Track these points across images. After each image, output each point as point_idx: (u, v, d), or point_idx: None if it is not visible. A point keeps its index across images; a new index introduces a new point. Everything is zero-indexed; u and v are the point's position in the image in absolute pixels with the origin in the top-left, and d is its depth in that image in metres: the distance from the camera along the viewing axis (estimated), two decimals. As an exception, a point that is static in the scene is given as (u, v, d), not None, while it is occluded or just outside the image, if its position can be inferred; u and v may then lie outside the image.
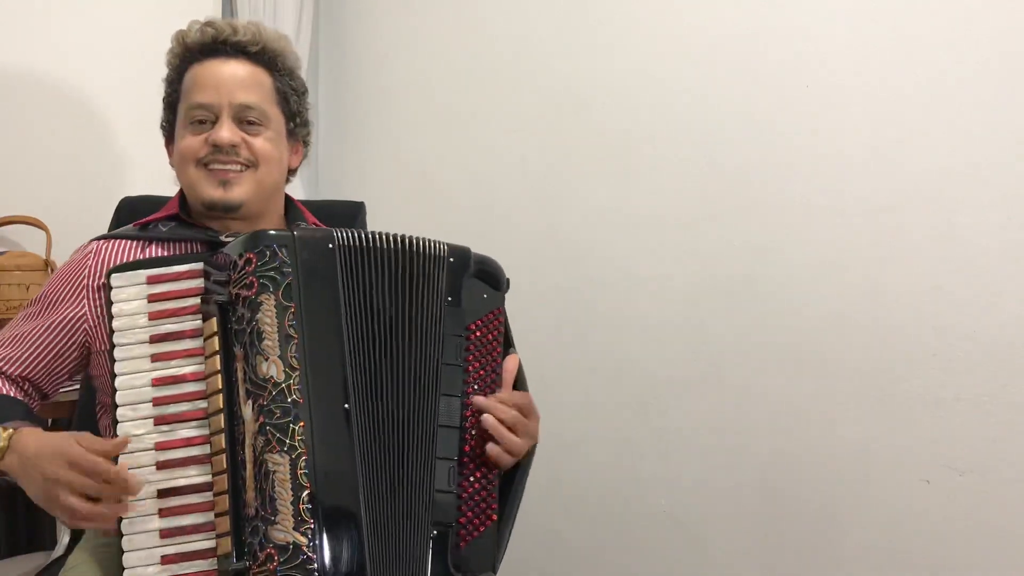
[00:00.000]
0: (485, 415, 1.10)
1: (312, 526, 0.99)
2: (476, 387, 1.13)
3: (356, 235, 1.10)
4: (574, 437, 1.99)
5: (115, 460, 1.01)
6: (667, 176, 1.84)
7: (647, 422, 1.88)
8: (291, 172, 1.35)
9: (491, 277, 1.18)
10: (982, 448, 1.45)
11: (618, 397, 1.93)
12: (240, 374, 1.03)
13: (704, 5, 1.79)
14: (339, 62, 2.56)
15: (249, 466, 1.01)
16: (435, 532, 1.07)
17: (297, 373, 1.03)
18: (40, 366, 1.22)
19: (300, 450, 1.00)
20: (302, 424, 1.01)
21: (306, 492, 0.99)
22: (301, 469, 1.00)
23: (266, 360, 1.03)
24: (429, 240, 1.14)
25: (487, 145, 2.18)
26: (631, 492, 1.91)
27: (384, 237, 1.12)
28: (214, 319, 1.05)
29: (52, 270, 1.89)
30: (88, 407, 1.36)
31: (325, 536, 0.99)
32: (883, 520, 1.55)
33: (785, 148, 1.67)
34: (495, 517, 1.11)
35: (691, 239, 1.80)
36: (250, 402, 1.02)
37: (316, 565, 0.98)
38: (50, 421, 1.80)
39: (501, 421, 1.11)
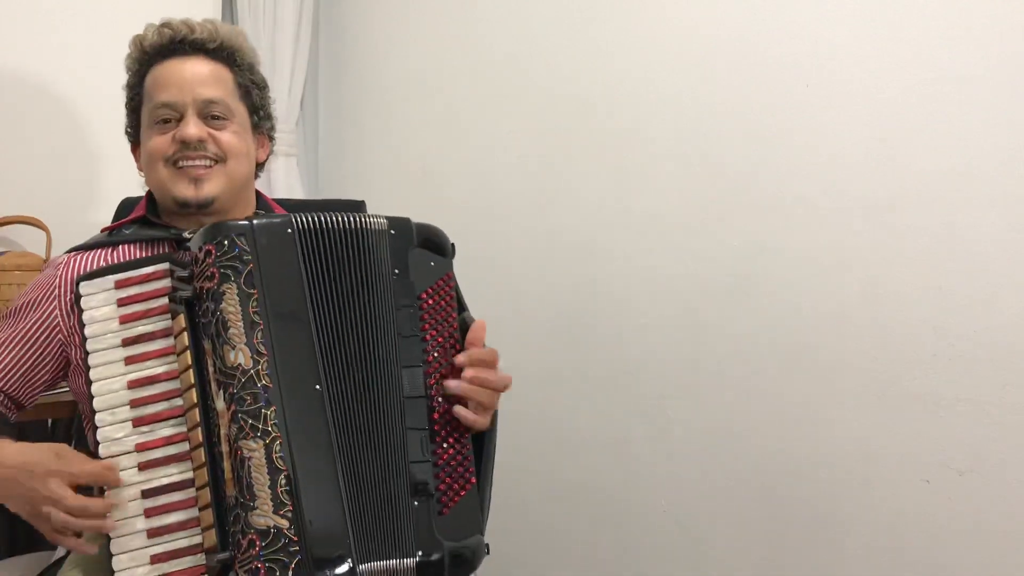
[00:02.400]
0: (448, 381, 1.11)
1: (292, 508, 0.99)
2: (436, 354, 1.13)
3: (315, 218, 1.10)
4: (574, 437, 1.99)
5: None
6: (667, 176, 1.84)
7: (647, 422, 1.88)
8: (259, 167, 1.36)
9: (435, 245, 1.18)
10: (982, 448, 1.45)
11: (618, 397, 1.93)
12: (210, 366, 1.04)
13: (704, 5, 1.79)
14: (339, 62, 2.56)
15: (226, 456, 1.01)
16: (416, 503, 1.07)
17: (265, 359, 1.03)
18: (15, 376, 1.22)
19: (274, 434, 1.01)
20: (273, 408, 1.02)
21: (283, 475, 1.00)
22: (276, 453, 1.01)
23: (233, 349, 1.03)
24: (368, 215, 1.14)
25: (487, 144, 2.18)
26: (631, 492, 1.91)
27: (338, 218, 1.12)
28: (181, 315, 1.06)
29: (52, 270, 1.89)
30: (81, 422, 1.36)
31: (306, 517, 1.00)
32: (883, 520, 1.55)
33: (785, 148, 1.67)
34: (474, 480, 1.12)
35: (691, 239, 1.80)
36: (221, 392, 1.03)
37: (299, 547, 0.98)
38: (50, 421, 1.80)
39: (481, 382, 1.12)
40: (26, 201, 1.96)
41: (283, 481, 1.00)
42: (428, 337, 1.13)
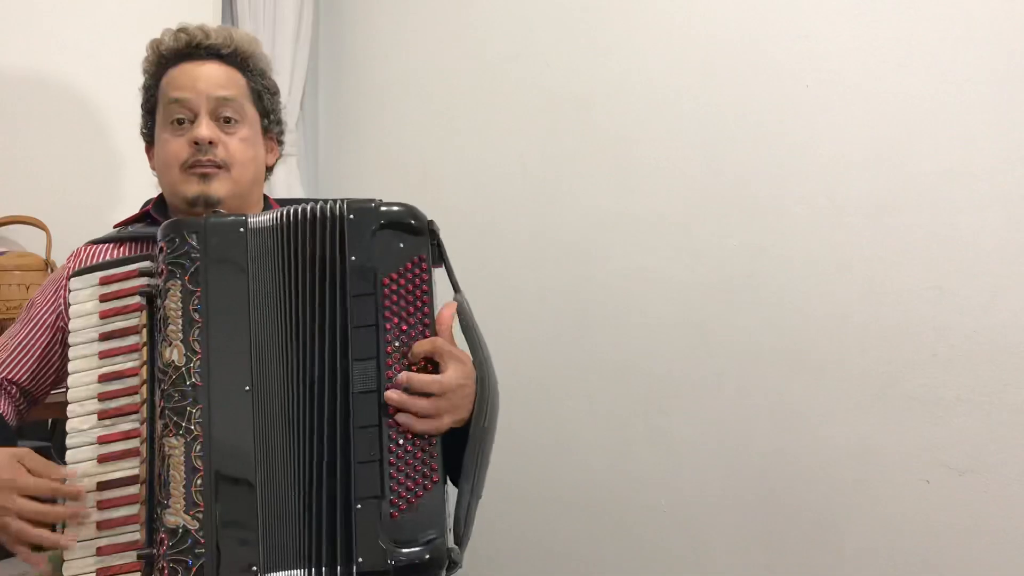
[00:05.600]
0: (389, 392, 1.04)
1: (203, 509, 0.99)
2: (398, 344, 1.06)
3: (270, 216, 1.09)
4: (574, 437, 1.99)
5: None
6: (667, 176, 1.84)
7: (647, 422, 1.88)
8: (269, 170, 1.39)
9: (404, 225, 1.10)
10: (982, 448, 1.45)
11: (618, 397, 1.93)
12: (155, 363, 1.06)
13: (704, 5, 1.79)
14: (339, 62, 2.56)
15: (157, 453, 1.03)
16: (359, 506, 1.02)
17: (198, 357, 1.04)
18: (25, 368, 1.28)
19: (195, 433, 1.01)
20: (200, 407, 1.02)
21: (199, 475, 1.00)
22: (196, 452, 1.01)
23: (170, 345, 1.04)
24: (324, 202, 1.10)
25: (487, 145, 2.18)
26: (631, 492, 1.91)
27: (292, 212, 1.09)
28: (145, 311, 1.08)
29: (52, 270, 1.89)
30: None
31: (216, 519, 0.99)
32: (883, 520, 1.55)
33: (785, 148, 1.67)
34: (436, 479, 1.05)
35: (691, 239, 1.80)
36: (157, 388, 1.04)
37: (204, 548, 0.98)
38: (51, 421, 1.80)
39: (415, 412, 1.05)
40: (26, 201, 1.96)
41: (199, 481, 1.00)
42: (389, 326, 1.06)
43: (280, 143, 1.41)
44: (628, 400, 1.91)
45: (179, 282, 1.06)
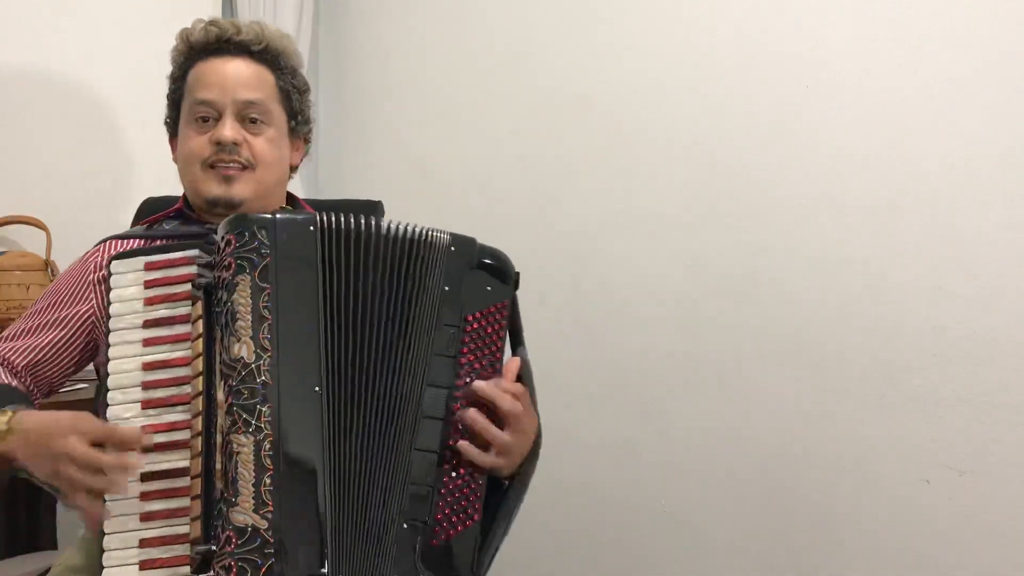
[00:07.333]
0: (470, 411, 1.07)
1: (272, 509, 0.97)
2: (468, 380, 1.10)
3: (340, 219, 1.08)
4: (574, 436, 1.99)
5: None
6: (667, 176, 1.84)
7: (647, 422, 1.88)
8: (293, 169, 1.37)
9: (497, 270, 1.15)
10: (982, 448, 1.45)
11: (618, 396, 1.93)
12: (217, 356, 1.03)
13: (704, 5, 1.79)
14: (339, 61, 2.56)
15: (219, 448, 1.00)
16: (404, 525, 1.04)
17: (268, 354, 1.02)
18: (45, 359, 1.24)
19: (266, 432, 0.99)
20: (269, 406, 1.00)
21: (268, 474, 0.98)
22: (266, 451, 0.99)
23: (238, 341, 1.02)
24: (429, 229, 1.12)
25: (487, 145, 2.18)
26: (631, 492, 1.91)
27: (377, 224, 1.09)
28: (200, 303, 1.05)
29: (52, 270, 1.89)
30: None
31: (285, 520, 0.98)
32: (883, 520, 1.56)
33: (785, 148, 1.67)
34: (477, 517, 1.07)
35: (691, 239, 1.81)
36: (222, 383, 1.02)
37: (273, 549, 0.97)
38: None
39: (497, 407, 1.07)
40: (26, 201, 1.96)
41: (268, 480, 0.98)
42: (464, 361, 1.10)
43: (307, 141, 1.38)
44: (628, 400, 1.91)
45: (248, 277, 1.03)
